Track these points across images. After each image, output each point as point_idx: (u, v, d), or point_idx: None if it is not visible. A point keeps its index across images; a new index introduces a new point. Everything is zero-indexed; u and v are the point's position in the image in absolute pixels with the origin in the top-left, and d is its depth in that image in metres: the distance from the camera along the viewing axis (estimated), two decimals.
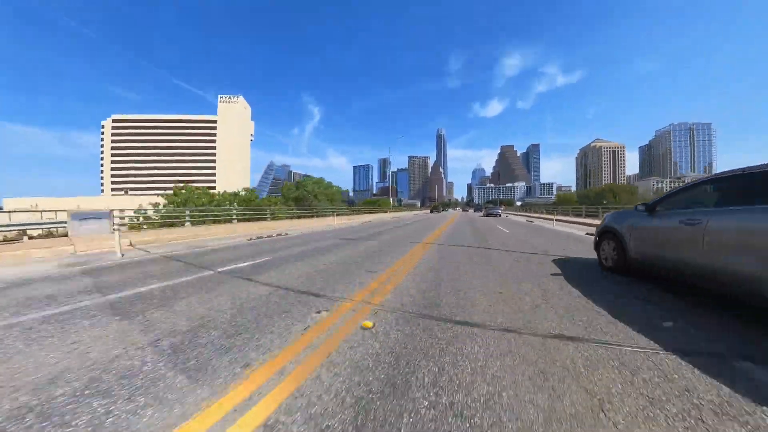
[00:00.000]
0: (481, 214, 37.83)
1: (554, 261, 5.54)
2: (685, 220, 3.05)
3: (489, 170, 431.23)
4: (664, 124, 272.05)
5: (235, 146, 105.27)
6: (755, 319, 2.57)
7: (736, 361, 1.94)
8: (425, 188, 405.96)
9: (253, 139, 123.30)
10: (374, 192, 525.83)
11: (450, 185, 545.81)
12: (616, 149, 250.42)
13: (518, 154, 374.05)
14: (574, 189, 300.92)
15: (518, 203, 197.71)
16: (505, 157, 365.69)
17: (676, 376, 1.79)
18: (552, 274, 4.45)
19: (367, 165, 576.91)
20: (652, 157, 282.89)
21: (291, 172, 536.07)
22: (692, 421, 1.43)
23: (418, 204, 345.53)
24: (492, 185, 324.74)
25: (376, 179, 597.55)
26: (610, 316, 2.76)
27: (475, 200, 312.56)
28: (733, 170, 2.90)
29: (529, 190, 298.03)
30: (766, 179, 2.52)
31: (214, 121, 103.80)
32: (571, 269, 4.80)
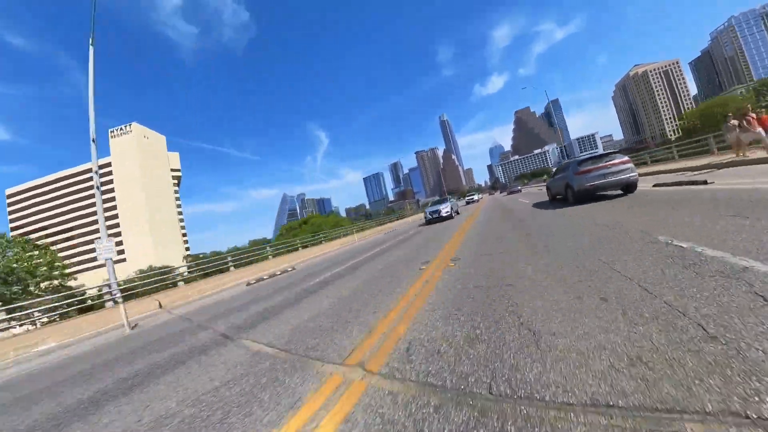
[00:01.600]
0: (506, 194, 38.78)
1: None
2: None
3: (508, 145, 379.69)
4: (717, 23, 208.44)
5: (144, 189, 78.56)
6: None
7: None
8: (441, 181, 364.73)
9: (179, 175, 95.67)
10: (391, 199, 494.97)
11: (469, 172, 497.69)
12: (669, 68, 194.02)
13: (537, 116, 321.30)
14: (621, 137, 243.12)
15: (555, 170, 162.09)
16: (523, 122, 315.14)
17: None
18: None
19: (378, 173, 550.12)
20: (716, 66, 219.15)
21: (305, 199, 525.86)
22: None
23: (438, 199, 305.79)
24: (517, 157, 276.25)
25: (391, 185, 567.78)
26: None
27: (501, 179, 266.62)
28: (564, 161, 12.91)
29: (564, 152, 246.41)
30: (561, 167, 10.62)
31: (109, 164, 79.15)
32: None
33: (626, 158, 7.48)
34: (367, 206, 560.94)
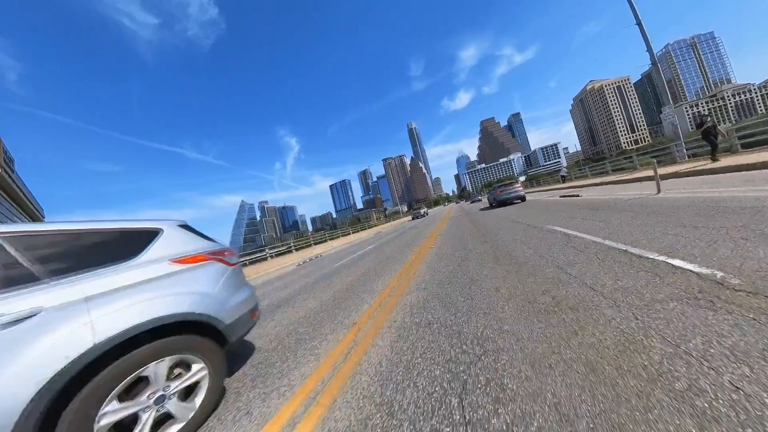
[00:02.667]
0: (470, 202, 47.35)
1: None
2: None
3: (474, 155, 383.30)
4: (656, 48, 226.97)
5: None
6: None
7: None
8: (409, 189, 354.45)
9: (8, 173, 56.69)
10: (359, 207, 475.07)
11: (437, 181, 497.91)
12: (621, 83, 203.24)
13: (501, 126, 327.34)
14: (579, 149, 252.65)
15: (521, 179, 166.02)
16: (488, 131, 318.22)
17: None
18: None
19: (345, 180, 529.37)
20: (655, 88, 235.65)
21: (266, 207, 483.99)
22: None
23: (405, 209, 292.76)
24: (483, 165, 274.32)
25: (360, 194, 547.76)
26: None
27: (469, 188, 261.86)
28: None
29: (528, 161, 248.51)
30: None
31: None
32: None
33: (519, 184, 15.23)
34: (334, 215, 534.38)
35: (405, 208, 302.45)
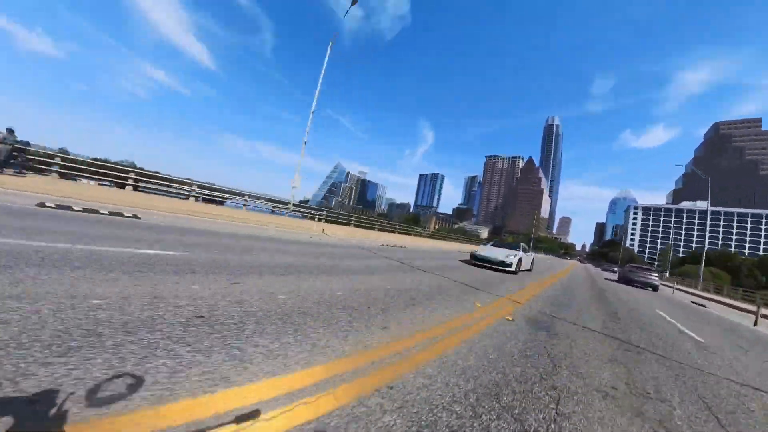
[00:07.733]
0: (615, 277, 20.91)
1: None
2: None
3: (656, 201, 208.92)
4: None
5: None
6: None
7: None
8: (505, 206, 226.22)
9: None
10: (442, 212, 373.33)
11: (565, 222, 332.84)
12: None
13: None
14: None
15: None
16: (718, 137, 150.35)
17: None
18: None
19: (435, 174, 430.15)
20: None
21: (350, 174, 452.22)
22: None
23: (486, 234, 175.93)
24: (698, 207, 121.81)
25: (459, 201, 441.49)
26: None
27: (635, 249, 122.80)
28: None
29: None
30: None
31: None
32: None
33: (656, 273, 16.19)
34: (412, 209, 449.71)
35: (485, 234, 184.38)
